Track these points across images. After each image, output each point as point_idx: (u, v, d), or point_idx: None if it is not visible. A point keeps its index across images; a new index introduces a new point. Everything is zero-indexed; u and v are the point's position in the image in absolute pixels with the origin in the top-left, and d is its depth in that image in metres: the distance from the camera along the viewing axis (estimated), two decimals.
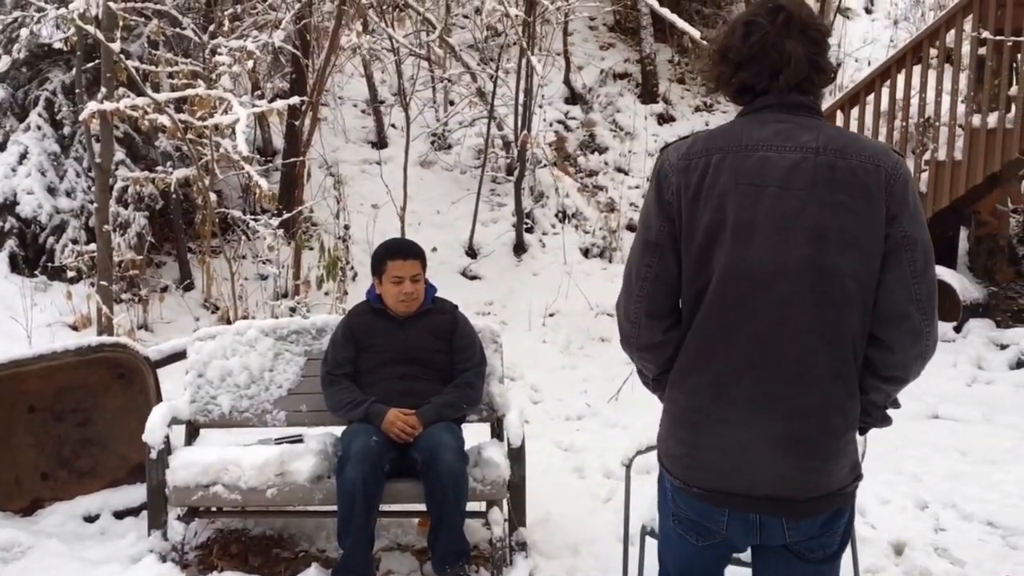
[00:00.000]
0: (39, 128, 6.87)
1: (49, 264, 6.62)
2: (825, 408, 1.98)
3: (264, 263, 7.43)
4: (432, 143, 9.06)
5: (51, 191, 6.82)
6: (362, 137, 8.99)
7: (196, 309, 6.79)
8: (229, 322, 6.38)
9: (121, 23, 5.82)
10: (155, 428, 3.75)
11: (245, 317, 6.55)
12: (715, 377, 2.00)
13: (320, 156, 8.50)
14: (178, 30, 6.40)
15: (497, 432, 4.09)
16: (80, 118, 5.34)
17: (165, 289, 6.93)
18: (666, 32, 10.53)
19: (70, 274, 6.39)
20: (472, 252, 8.05)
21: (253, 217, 6.99)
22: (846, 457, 2.04)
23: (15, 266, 6.72)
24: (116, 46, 5.28)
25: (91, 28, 5.09)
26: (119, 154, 6.86)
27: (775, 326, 1.96)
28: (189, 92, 5.47)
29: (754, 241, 1.95)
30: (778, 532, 2.05)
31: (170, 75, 6.63)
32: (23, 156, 6.82)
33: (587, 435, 5.52)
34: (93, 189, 5.85)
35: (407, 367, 3.88)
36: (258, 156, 8.40)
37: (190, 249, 7.29)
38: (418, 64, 7.72)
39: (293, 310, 6.61)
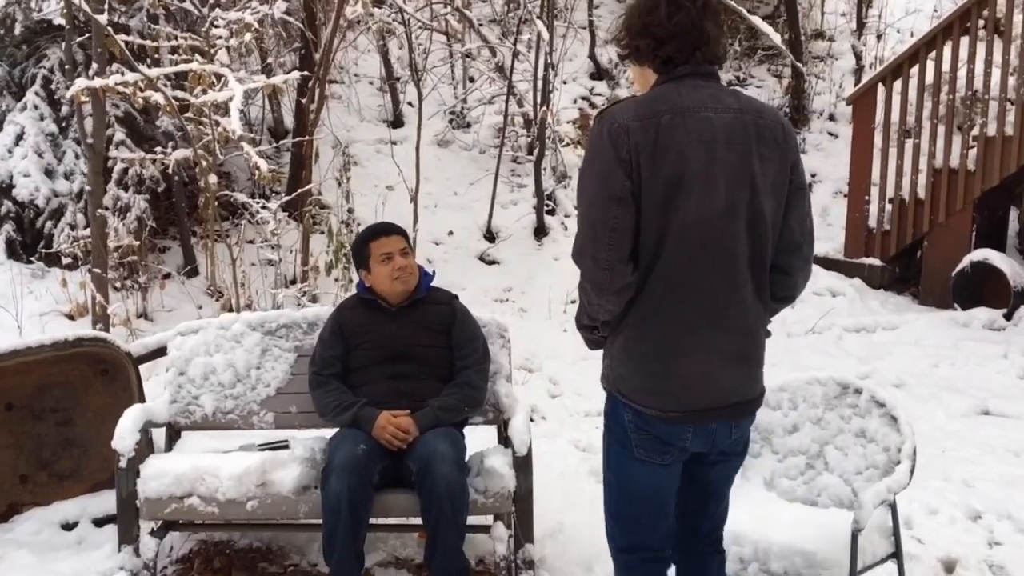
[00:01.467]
0: (36, 108, 6.57)
1: (46, 250, 6.33)
2: (757, 325, 2.39)
3: (273, 248, 7.11)
4: (450, 121, 8.68)
5: (49, 173, 6.52)
6: (377, 116, 8.63)
7: (199, 296, 6.49)
8: (231, 310, 6.07)
9: None
10: (125, 433, 3.44)
11: (248, 305, 6.23)
12: (683, 311, 2.28)
13: (332, 136, 8.15)
14: (177, 2, 6.06)
15: (504, 436, 3.72)
16: (67, 96, 5.02)
17: (168, 276, 6.63)
18: None
19: (65, 260, 6.10)
20: (490, 236, 7.68)
21: (260, 200, 6.67)
22: (764, 362, 2.48)
23: (12, 252, 6.44)
24: (103, 18, 4.96)
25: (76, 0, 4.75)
26: (119, 134, 6.56)
27: (727, 261, 2.28)
28: (182, 67, 5.14)
29: (712, 189, 2.24)
30: (725, 435, 2.41)
31: (173, 50, 6.30)
32: (19, 137, 6.52)
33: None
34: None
35: (401, 365, 3.53)
36: (268, 136, 8.08)
37: (194, 233, 6.97)
38: (431, 38, 7.31)
39: (300, 297, 6.29)
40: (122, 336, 5.86)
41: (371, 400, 3.46)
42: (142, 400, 4.10)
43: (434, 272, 3.92)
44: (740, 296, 2.30)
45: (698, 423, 2.34)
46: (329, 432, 3.56)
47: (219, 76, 5.27)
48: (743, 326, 2.33)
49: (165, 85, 5.68)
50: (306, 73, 6.08)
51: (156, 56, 6.39)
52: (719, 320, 2.29)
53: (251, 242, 7.05)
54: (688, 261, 2.25)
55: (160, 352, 4.29)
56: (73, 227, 6.38)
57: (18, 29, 6.53)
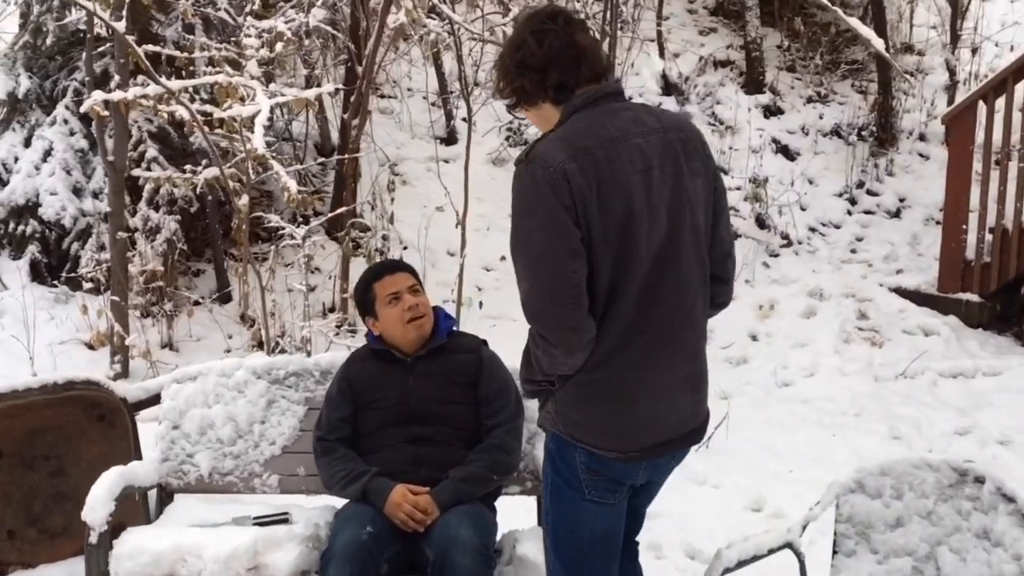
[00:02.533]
0: (66, 122, 6.22)
1: (74, 273, 5.95)
2: (702, 344, 2.35)
3: (312, 272, 6.65)
4: (507, 138, 8.15)
5: (77, 192, 6.16)
6: (430, 132, 8.14)
7: (230, 325, 6.04)
8: (260, 344, 5.61)
9: (149, 3, 5.11)
10: (97, 504, 2.94)
11: (281, 335, 5.77)
12: (642, 345, 2.21)
13: (382, 153, 7.68)
14: (211, 11, 5.64)
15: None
16: (82, 109, 4.62)
17: (199, 302, 6.20)
18: (775, 15, 9.41)
19: (86, 285, 5.71)
20: None
21: (298, 222, 6.23)
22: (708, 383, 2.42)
23: (36, 274, 6.08)
24: (121, 26, 4.53)
25: (89, 4, 4.33)
26: (151, 150, 6.17)
27: (680, 285, 2.24)
28: (207, 79, 4.70)
29: (657, 217, 2.20)
30: (668, 462, 2.41)
31: (209, 62, 5.89)
32: (48, 153, 6.18)
33: (665, 495, 4.51)
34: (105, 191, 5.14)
35: (419, 427, 2.98)
36: (314, 153, 7.64)
37: (232, 256, 6.55)
38: (482, 49, 6.80)
39: (338, 329, 5.81)
40: (142, 369, 5.44)
41: (384, 469, 2.92)
42: (137, 453, 3.65)
43: (458, 316, 3.37)
44: (692, 317, 2.29)
45: (653, 457, 2.31)
46: (341, 502, 3.05)
47: (248, 88, 4.81)
48: (694, 348, 2.31)
49: (193, 99, 5.26)
50: (340, 87, 5.60)
51: (192, 68, 5.99)
52: (674, 345, 2.26)
53: (289, 265, 6.61)
54: (643, 294, 2.20)
55: (158, 399, 3.81)
56: (103, 248, 5.99)
57: (50, 39, 6.18)
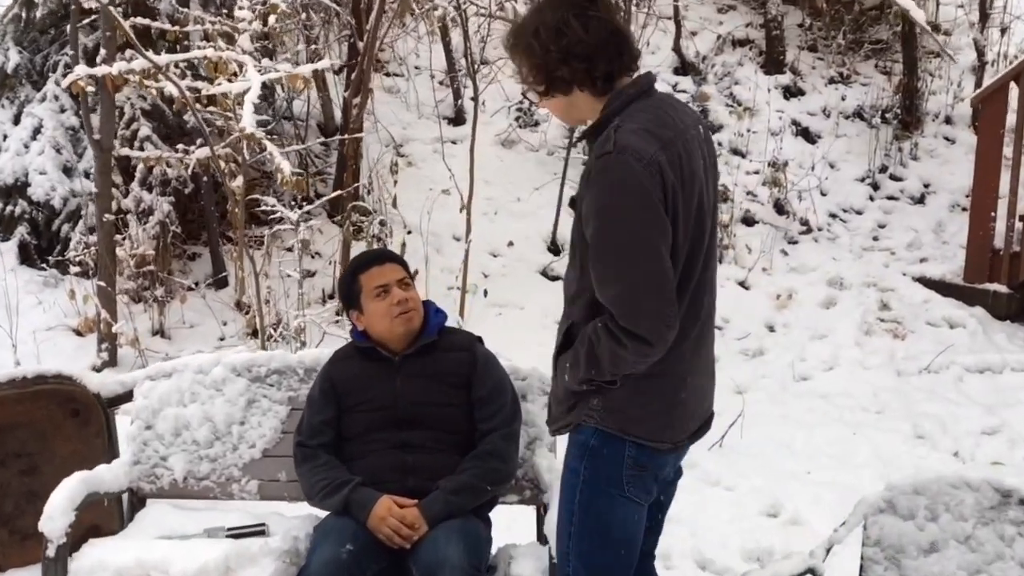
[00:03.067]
0: (56, 98, 5.98)
1: (62, 256, 5.73)
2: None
3: (313, 257, 6.42)
4: (516, 119, 7.87)
5: (67, 171, 5.93)
6: (437, 112, 7.87)
7: (225, 311, 5.81)
8: (255, 332, 5.38)
9: None
10: (56, 513, 2.71)
11: (278, 323, 5.53)
12: (694, 337, 2.22)
13: (387, 133, 7.42)
14: None
15: (544, 525, 2.91)
16: (63, 85, 4.37)
17: (192, 288, 5.98)
18: None
19: (74, 269, 5.48)
20: (555, 248, 6.85)
21: (300, 205, 5.98)
22: None
23: (26, 257, 5.86)
24: None
25: None
26: (144, 129, 5.92)
27: (713, 274, 2.29)
28: (195, 54, 4.45)
29: (709, 206, 2.22)
30: (683, 453, 2.39)
31: (205, 36, 5.63)
32: (37, 131, 5.95)
33: (676, 497, 4.27)
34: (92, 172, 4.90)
35: (408, 432, 2.74)
36: (317, 133, 7.39)
37: (229, 239, 6.31)
38: (488, 25, 6.50)
39: (339, 315, 5.56)
40: (131, 357, 5.22)
41: (369, 478, 2.68)
42: (113, 451, 3.42)
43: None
44: (711, 311, 2.30)
45: (683, 447, 2.34)
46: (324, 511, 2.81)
47: (240, 64, 4.55)
48: (712, 338, 2.35)
49: (185, 75, 5.01)
50: (339, 63, 5.34)
51: (186, 42, 5.73)
52: (710, 334, 2.32)
53: (289, 250, 6.36)
54: (696, 286, 2.20)
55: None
56: (92, 231, 5.76)
57: (41, 11, 5.93)
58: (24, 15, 6.13)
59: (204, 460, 3.07)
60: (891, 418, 5.20)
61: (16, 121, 6.05)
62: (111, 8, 4.23)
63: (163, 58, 4.38)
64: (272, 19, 4.70)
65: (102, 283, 4.86)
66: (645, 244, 2.05)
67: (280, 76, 4.49)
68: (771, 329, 6.25)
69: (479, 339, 2.96)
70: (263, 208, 5.65)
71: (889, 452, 4.82)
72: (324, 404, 2.81)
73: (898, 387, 5.56)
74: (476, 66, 6.12)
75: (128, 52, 4.88)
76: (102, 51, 4.64)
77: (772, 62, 8.51)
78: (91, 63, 5.57)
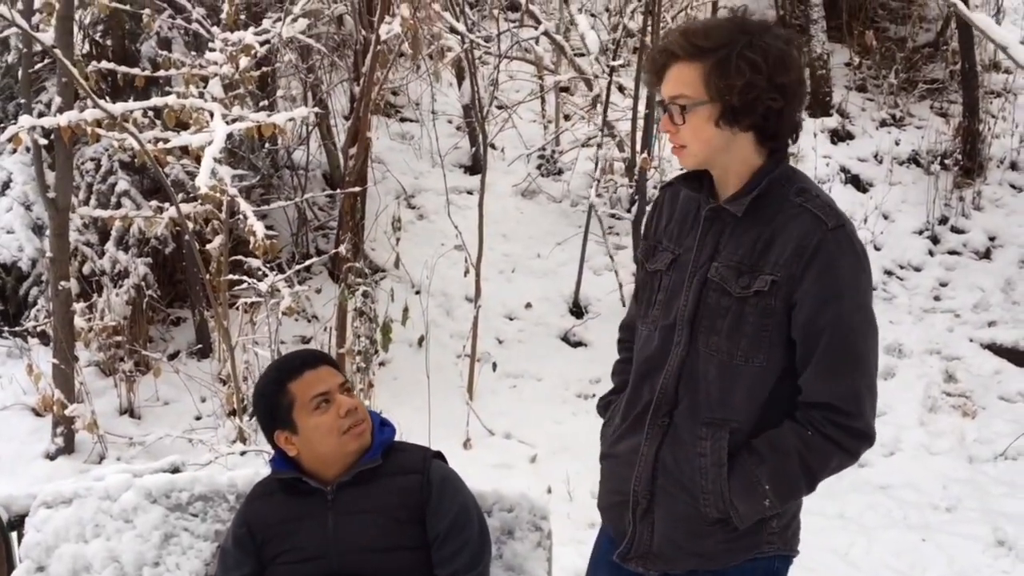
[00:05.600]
0: (28, 150, 5.45)
1: (19, 326, 5.18)
2: None
3: (309, 321, 5.84)
4: (539, 167, 7.26)
5: (37, 230, 5.40)
6: (453, 160, 7.28)
7: (205, 386, 5.20)
8: (233, 412, 4.78)
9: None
10: None
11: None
12: None
13: (398, 184, 6.86)
14: (182, 21, 4.85)
15: None
16: (2, 138, 3.83)
17: (174, 356, 5.40)
18: (843, 29, 8.41)
19: (32, 340, 4.93)
20: (578, 310, 6.19)
21: (287, 266, 5.40)
22: None
23: None
24: (48, 38, 3.75)
25: (5, 10, 3.54)
26: (123, 183, 5.39)
27: None
28: (155, 101, 3.90)
29: None
30: None
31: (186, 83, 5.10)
32: (6, 185, 5.43)
33: None
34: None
35: None
36: (322, 183, 6.84)
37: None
38: (497, 67, 5.91)
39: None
40: (89, 443, 4.64)
41: None
42: None
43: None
44: None
45: None
46: None
47: (208, 112, 3.99)
48: None
49: (152, 124, 4.47)
50: (313, 109, 4.78)
51: (168, 88, 5.20)
52: None
53: (287, 314, 5.77)
54: None
55: None
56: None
57: (12, 56, 5.44)
58: None
59: None
60: (965, 519, 4.45)
61: None
62: (56, 51, 3.68)
63: (118, 107, 3.83)
64: (244, 61, 4.14)
65: (56, 360, 4.30)
66: (876, 328, 1.91)
67: (251, 126, 3.91)
68: None
69: (436, 454, 2.30)
70: (248, 269, 5.08)
71: (966, 564, 4.09)
72: (240, 557, 2.17)
73: (971, 477, 4.82)
74: (485, 111, 5.51)
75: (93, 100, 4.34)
76: (56, 99, 4.10)
77: (818, 104, 7.83)
78: (26, 110, 5.06)
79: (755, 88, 1.83)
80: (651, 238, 2.08)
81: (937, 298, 6.45)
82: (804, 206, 1.87)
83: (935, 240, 6.86)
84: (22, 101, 4.59)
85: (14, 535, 2.75)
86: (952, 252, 6.80)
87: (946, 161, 7.21)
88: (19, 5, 4.12)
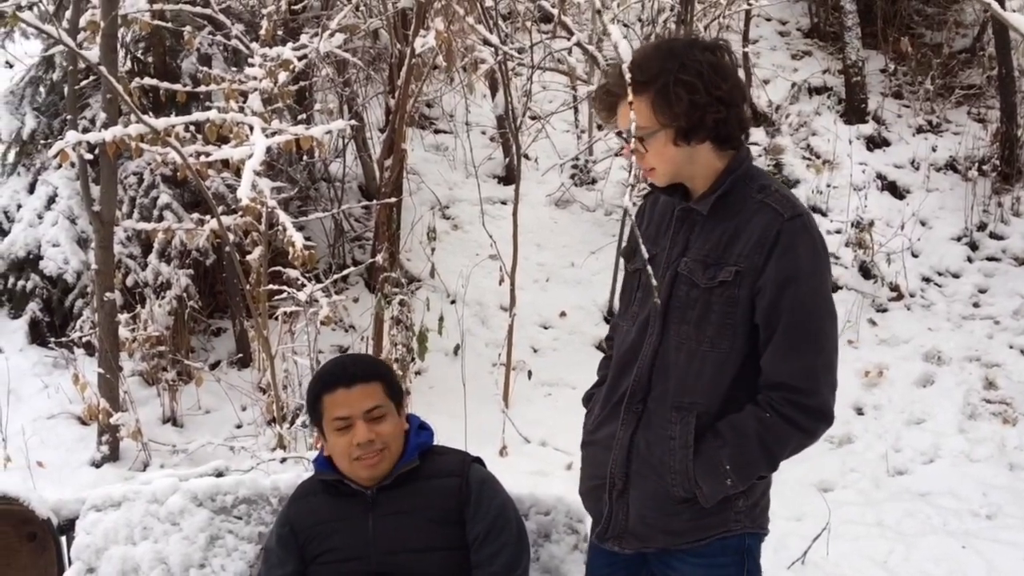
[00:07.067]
0: (72, 165, 5.58)
1: (67, 336, 5.29)
2: None
3: (347, 331, 5.90)
4: (572, 176, 7.30)
5: (82, 243, 5.52)
6: (487, 170, 7.34)
7: (245, 395, 5.28)
8: (273, 420, 4.85)
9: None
10: None
11: (301, 409, 4.99)
12: None
13: (432, 195, 6.93)
14: (221, 38, 4.95)
15: None
16: (50, 154, 3.94)
17: (215, 366, 5.49)
18: (878, 35, 8.38)
19: (78, 351, 5.03)
20: (612, 319, 6.20)
21: (326, 276, 5.48)
22: None
23: (37, 335, 5.44)
24: (94, 55, 3.85)
25: (51, 29, 3.65)
26: (165, 196, 5.50)
27: None
28: (197, 116, 4.00)
29: None
30: None
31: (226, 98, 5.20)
32: (52, 199, 5.56)
33: None
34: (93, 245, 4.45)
35: None
36: (358, 195, 6.93)
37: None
38: (530, 77, 5.95)
39: None
40: (134, 451, 4.73)
41: None
42: None
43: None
44: None
45: None
46: None
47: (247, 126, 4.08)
48: None
49: (194, 138, 4.57)
50: (351, 122, 4.85)
51: (209, 103, 5.31)
52: None
53: (325, 323, 5.84)
54: None
55: None
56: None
57: (58, 73, 5.58)
58: (42, 76, 5.78)
59: None
60: (1006, 525, 4.41)
61: (31, 190, 5.68)
62: (102, 68, 3.78)
63: (160, 121, 3.92)
64: (282, 76, 4.23)
65: (101, 370, 4.39)
66: (835, 312, 2.00)
67: (290, 139, 3.99)
68: (859, 412, 5.50)
69: (476, 459, 2.34)
70: (287, 279, 5.16)
71: (1006, 571, 4.06)
72: (284, 556, 2.22)
73: (1011, 484, 4.77)
74: (519, 122, 5.56)
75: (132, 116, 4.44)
76: (101, 115, 4.21)
77: (853, 110, 7.81)
78: (71, 126, 5.18)
79: (698, 107, 1.96)
80: (633, 240, 2.19)
81: (976, 305, 6.40)
82: (765, 201, 2.00)
83: (974, 246, 6.81)
84: (68, 118, 4.68)
85: (63, 539, 2.84)
86: (991, 258, 6.74)
87: (984, 167, 7.15)
88: (65, 24, 4.21)
